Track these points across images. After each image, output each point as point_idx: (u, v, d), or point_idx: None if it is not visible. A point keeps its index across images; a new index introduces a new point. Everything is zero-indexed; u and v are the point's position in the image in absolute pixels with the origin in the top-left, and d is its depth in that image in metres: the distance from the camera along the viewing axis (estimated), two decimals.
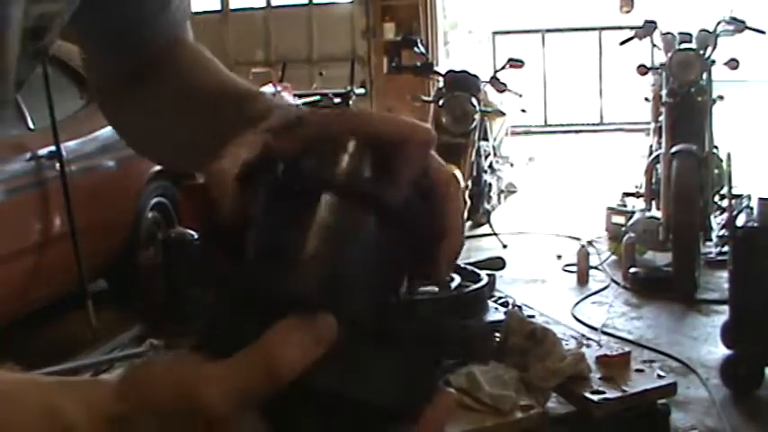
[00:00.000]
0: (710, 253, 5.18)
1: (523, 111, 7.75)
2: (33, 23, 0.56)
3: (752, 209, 3.61)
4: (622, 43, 5.48)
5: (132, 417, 0.40)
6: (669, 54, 4.94)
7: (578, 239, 5.93)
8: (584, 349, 2.22)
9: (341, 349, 0.42)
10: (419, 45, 5.84)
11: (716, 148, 5.13)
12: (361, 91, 7.20)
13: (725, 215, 5.04)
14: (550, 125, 12.41)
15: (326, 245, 0.44)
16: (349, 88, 6.44)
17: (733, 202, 4.52)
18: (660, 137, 5.19)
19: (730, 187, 4.55)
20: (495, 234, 6.18)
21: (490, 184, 6.15)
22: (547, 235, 6.39)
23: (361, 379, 0.43)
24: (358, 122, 0.50)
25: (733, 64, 4.94)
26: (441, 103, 5.40)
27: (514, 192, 6.93)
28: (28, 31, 0.56)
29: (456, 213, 0.53)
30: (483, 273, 2.59)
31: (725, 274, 4.18)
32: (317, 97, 6.33)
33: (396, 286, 0.49)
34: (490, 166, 6.22)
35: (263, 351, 0.41)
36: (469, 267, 2.70)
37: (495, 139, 6.60)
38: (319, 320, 0.42)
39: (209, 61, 0.76)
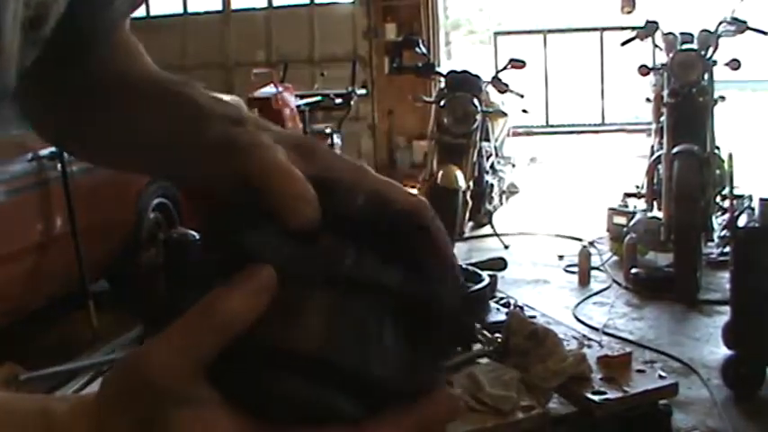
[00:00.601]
0: (712, 253, 5.18)
1: (525, 111, 7.74)
2: (33, 12, 0.56)
3: (753, 209, 3.61)
4: (624, 44, 5.48)
5: (107, 417, 0.40)
6: (670, 54, 4.94)
7: (580, 240, 5.93)
8: (585, 350, 2.22)
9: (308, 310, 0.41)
10: (420, 45, 5.84)
11: (717, 148, 5.12)
12: (363, 91, 7.20)
13: (726, 216, 5.04)
14: (552, 126, 12.40)
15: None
16: (350, 89, 6.44)
17: (734, 202, 4.53)
18: (661, 137, 5.18)
19: (732, 188, 4.55)
20: (496, 234, 6.18)
21: (492, 185, 6.15)
22: (548, 235, 6.39)
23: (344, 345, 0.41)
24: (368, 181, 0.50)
25: (734, 64, 4.93)
26: (442, 103, 5.40)
27: (516, 192, 6.93)
28: (27, 20, 0.56)
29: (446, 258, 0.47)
30: (484, 273, 2.59)
31: (726, 275, 4.19)
32: (319, 97, 6.34)
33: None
34: (492, 166, 6.22)
35: (204, 308, 0.39)
36: (471, 268, 2.70)
37: (496, 140, 6.60)
38: (258, 271, 0.40)
39: (142, 56, 0.73)
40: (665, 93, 4.97)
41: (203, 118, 0.59)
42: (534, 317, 2.56)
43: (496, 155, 6.44)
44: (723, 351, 3.61)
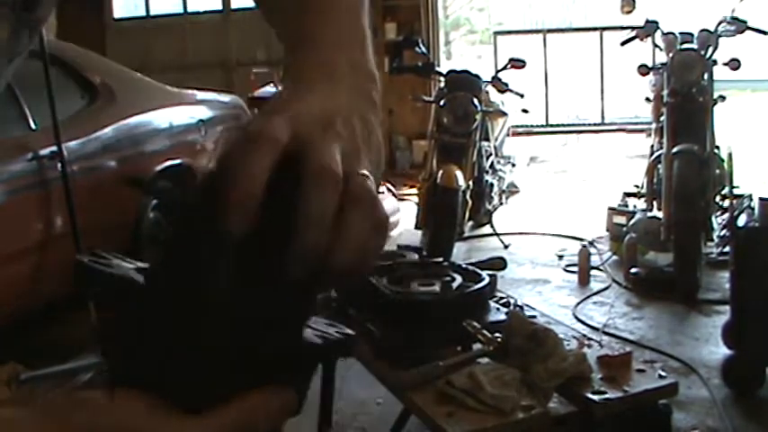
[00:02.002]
0: (712, 253, 5.18)
1: (525, 111, 7.73)
2: None
3: (753, 209, 3.60)
4: (623, 43, 5.48)
5: None
6: (670, 54, 4.94)
7: (580, 240, 5.93)
8: (585, 349, 2.22)
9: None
10: (420, 45, 5.83)
11: (717, 148, 5.12)
12: None
13: (726, 215, 5.03)
14: (552, 125, 12.40)
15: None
16: None
17: (734, 202, 4.52)
18: (661, 137, 5.18)
19: (732, 187, 4.55)
20: (496, 234, 6.18)
21: (491, 185, 6.15)
22: (548, 235, 6.39)
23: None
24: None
25: (734, 64, 4.93)
26: (442, 103, 5.40)
27: (516, 192, 6.93)
28: (19, 2, 0.56)
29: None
30: (484, 273, 2.59)
31: (726, 275, 4.18)
32: None
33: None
34: (491, 166, 6.22)
35: (246, 414, 0.43)
36: (471, 267, 2.70)
37: (496, 140, 6.60)
38: (286, 393, 0.44)
39: None
40: (665, 92, 4.97)
41: None
42: (534, 317, 2.57)
43: (496, 154, 6.44)
44: (723, 351, 3.61)
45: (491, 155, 6.21)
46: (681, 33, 5.20)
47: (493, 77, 5.66)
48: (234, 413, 0.43)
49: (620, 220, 5.59)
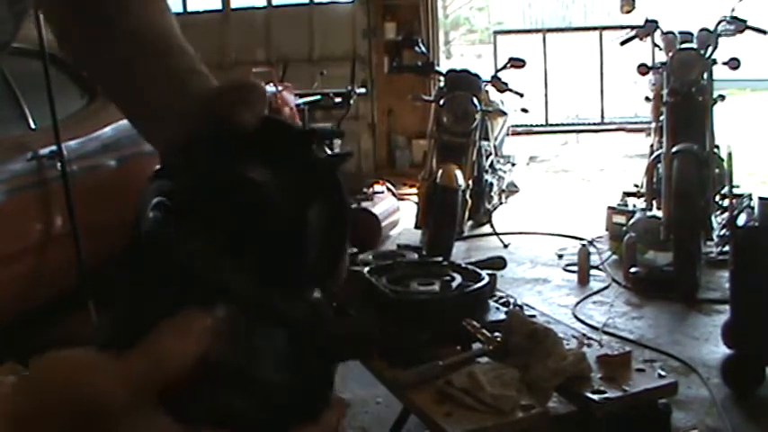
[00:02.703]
0: (711, 252, 5.18)
1: (525, 111, 7.73)
2: None
3: (753, 208, 3.60)
4: (623, 43, 5.48)
5: (32, 414, 0.41)
6: (670, 53, 4.94)
7: (579, 239, 5.93)
8: (585, 349, 2.22)
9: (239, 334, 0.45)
10: (420, 45, 5.83)
11: (717, 147, 5.12)
12: (362, 90, 7.21)
13: (726, 215, 5.03)
14: (551, 125, 12.39)
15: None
16: (350, 88, 6.44)
17: (734, 201, 4.52)
18: (661, 136, 5.18)
19: (731, 187, 4.55)
20: (496, 234, 6.18)
21: (491, 184, 6.15)
22: (548, 234, 6.39)
23: (257, 360, 0.46)
24: None
25: (734, 64, 4.93)
26: (442, 102, 5.39)
27: (515, 191, 6.92)
28: None
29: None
30: (484, 272, 2.60)
31: (726, 274, 4.18)
32: (318, 97, 6.34)
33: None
34: (491, 165, 6.21)
35: (147, 352, 0.42)
36: (471, 267, 2.70)
37: (496, 139, 6.59)
38: (198, 319, 0.43)
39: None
40: (665, 92, 4.97)
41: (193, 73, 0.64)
42: (534, 316, 2.57)
43: (496, 154, 6.44)
44: (722, 350, 3.61)
45: (491, 154, 6.21)
46: (680, 33, 5.20)
47: (492, 77, 5.66)
48: None
49: (620, 219, 5.59)
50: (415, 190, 6.45)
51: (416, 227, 5.35)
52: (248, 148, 0.51)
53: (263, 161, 0.50)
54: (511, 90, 5.68)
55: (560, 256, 5.70)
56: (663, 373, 2.21)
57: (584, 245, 5.36)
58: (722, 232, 5.08)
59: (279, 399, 0.46)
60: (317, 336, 0.49)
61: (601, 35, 12.15)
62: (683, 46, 4.93)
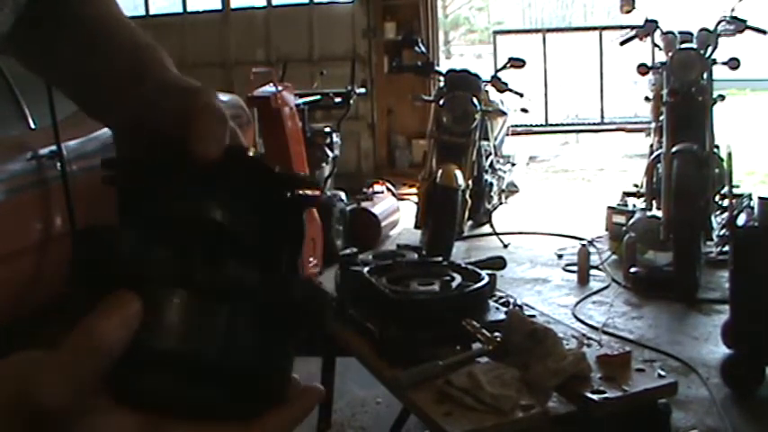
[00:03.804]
0: (711, 252, 5.18)
1: (524, 110, 7.73)
2: None
3: (752, 208, 3.60)
4: (623, 43, 5.48)
5: None
6: (670, 53, 4.94)
7: (579, 239, 5.93)
8: (584, 349, 2.22)
9: (194, 317, 0.44)
10: (420, 44, 5.83)
11: (716, 147, 5.12)
12: (362, 90, 7.19)
13: (725, 214, 5.03)
14: (551, 125, 12.39)
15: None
16: (350, 88, 6.43)
17: (733, 201, 4.52)
18: (661, 136, 5.18)
19: (731, 187, 4.54)
20: (495, 234, 6.18)
21: (491, 184, 6.15)
22: (547, 234, 6.39)
23: (215, 345, 0.45)
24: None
25: (733, 63, 4.93)
26: (441, 102, 5.39)
27: (515, 191, 6.93)
28: None
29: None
30: (484, 272, 2.60)
31: (726, 274, 4.19)
32: (318, 97, 6.33)
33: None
34: (491, 165, 6.21)
35: (80, 338, 0.42)
36: (471, 267, 2.70)
37: (495, 139, 6.59)
38: (127, 301, 0.43)
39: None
40: (665, 92, 4.97)
41: (150, 62, 0.64)
42: (534, 316, 2.57)
43: (496, 154, 6.44)
44: (722, 350, 3.61)
45: (490, 154, 6.21)
46: (680, 33, 5.20)
47: (492, 77, 5.65)
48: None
49: (620, 219, 5.59)
50: (414, 190, 6.45)
51: (416, 227, 5.35)
52: (210, 183, 0.49)
53: (223, 198, 0.49)
54: (511, 90, 5.68)
55: (560, 256, 5.70)
56: (663, 373, 2.21)
57: (583, 245, 5.36)
58: (722, 232, 5.08)
59: (231, 381, 0.45)
60: (270, 309, 0.47)
61: (601, 35, 12.14)
62: (683, 46, 4.93)
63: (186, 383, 0.44)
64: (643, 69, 5.19)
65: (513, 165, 7.06)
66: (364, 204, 6.26)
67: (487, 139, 6.18)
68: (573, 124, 12.63)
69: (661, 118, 5.19)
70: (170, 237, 0.46)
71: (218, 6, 10.40)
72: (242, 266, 0.47)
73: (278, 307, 0.48)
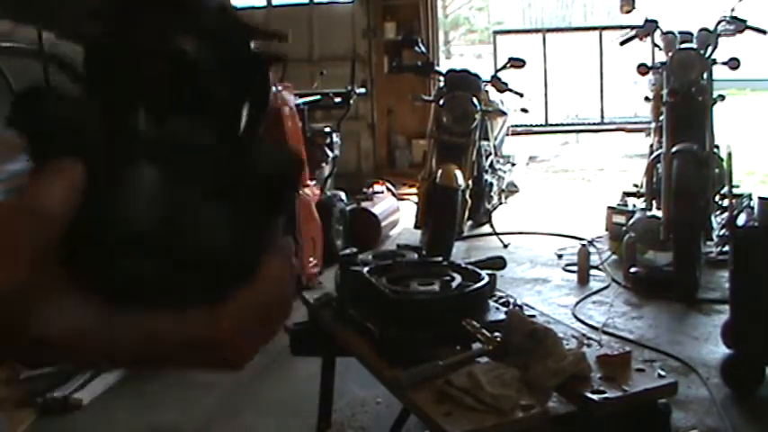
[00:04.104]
0: (711, 252, 5.18)
1: (524, 111, 7.73)
2: None
3: (752, 208, 3.60)
4: (623, 43, 5.48)
5: None
6: (670, 53, 4.94)
7: (579, 239, 5.93)
8: (584, 349, 2.22)
9: (160, 195, 0.41)
10: (420, 44, 5.83)
11: (716, 147, 5.12)
12: (362, 90, 7.20)
13: (725, 214, 5.03)
14: (551, 125, 12.40)
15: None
16: (350, 88, 6.43)
17: (733, 201, 4.52)
18: (661, 136, 5.18)
19: (731, 186, 4.54)
20: (495, 234, 6.18)
21: (491, 184, 6.15)
22: (547, 234, 6.39)
23: (184, 225, 0.41)
24: None
25: (733, 63, 4.93)
26: (441, 102, 5.39)
27: (515, 191, 6.93)
28: None
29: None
30: (484, 272, 2.60)
31: (726, 274, 4.18)
32: (318, 97, 6.33)
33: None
34: (491, 165, 6.21)
35: (20, 208, 0.41)
36: (471, 267, 2.70)
37: (495, 139, 6.60)
38: (66, 169, 0.41)
39: None
40: (665, 92, 4.97)
41: None
42: (534, 316, 2.57)
43: (496, 154, 6.44)
44: (722, 350, 3.61)
45: (490, 154, 6.21)
46: (680, 32, 5.20)
47: (492, 77, 5.65)
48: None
49: (620, 219, 5.59)
50: (414, 190, 6.45)
51: (416, 227, 5.35)
52: (181, 20, 0.44)
53: (189, 29, 0.43)
54: (511, 90, 5.68)
55: (560, 256, 5.70)
56: (663, 373, 2.21)
57: (583, 245, 5.36)
58: (722, 232, 5.08)
59: (199, 255, 0.41)
60: (228, 177, 0.42)
61: (601, 35, 12.15)
62: (683, 46, 4.93)
63: (140, 262, 0.40)
64: (643, 69, 5.19)
65: (513, 165, 7.07)
66: (364, 204, 6.26)
67: (487, 139, 6.18)
68: (573, 124, 12.64)
69: (661, 118, 5.19)
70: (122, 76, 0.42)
71: None
72: (199, 125, 0.43)
73: (236, 176, 0.43)
